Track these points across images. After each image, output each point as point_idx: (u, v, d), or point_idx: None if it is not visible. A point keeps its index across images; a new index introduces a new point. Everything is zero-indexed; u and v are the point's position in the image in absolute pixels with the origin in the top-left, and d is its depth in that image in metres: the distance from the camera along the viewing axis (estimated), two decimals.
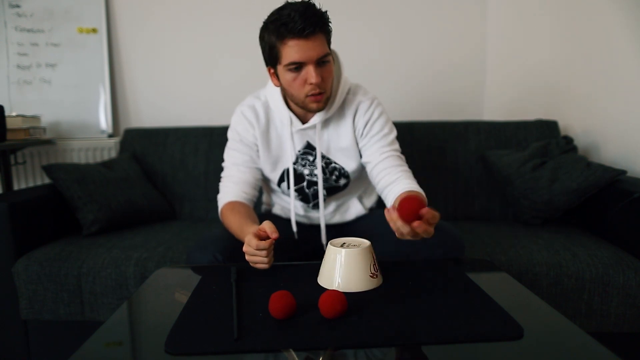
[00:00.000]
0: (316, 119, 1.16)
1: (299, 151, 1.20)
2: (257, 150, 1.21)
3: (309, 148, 1.20)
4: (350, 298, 0.73)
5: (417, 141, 1.77)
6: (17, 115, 1.86)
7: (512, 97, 2.12)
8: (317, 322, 0.68)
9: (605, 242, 1.34)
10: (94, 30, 2.14)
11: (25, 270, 1.32)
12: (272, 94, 1.18)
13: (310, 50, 1.00)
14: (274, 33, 1.00)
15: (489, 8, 2.17)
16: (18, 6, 2.10)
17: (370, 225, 1.25)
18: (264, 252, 0.88)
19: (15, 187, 2.08)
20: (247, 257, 0.91)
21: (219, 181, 1.23)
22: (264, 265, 0.90)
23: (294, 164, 1.21)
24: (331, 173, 1.22)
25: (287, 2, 1.01)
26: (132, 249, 1.35)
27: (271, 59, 1.06)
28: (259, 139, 1.20)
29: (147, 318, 0.79)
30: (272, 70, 1.09)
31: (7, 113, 1.77)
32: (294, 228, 1.25)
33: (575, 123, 1.77)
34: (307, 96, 1.06)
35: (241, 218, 1.06)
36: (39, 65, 2.12)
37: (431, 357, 0.62)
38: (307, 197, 1.25)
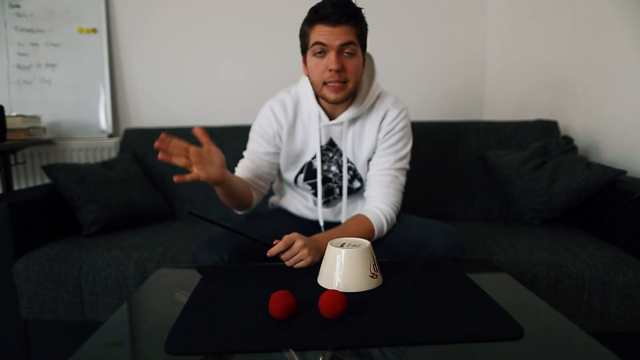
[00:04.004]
0: (344, 116, 1.18)
1: (322, 146, 1.23)
2: (276, 146, 1.24)
3: (331, 145, 1.23)
4: (350, 298, 0.73)
5: (417, 141, 1.75)
6: (17, 115, 1.86)
7: (512, 97, 2.12)
8: (317, 322, 0.68)
9: (605, 242, 1.34)
10: (94, 30, 2.14)
11: (25, 270, 1.32)
12: (304, 89, 1.21)
13: (334, 35, 1.04)
14: (307, 20, 1.07)
15: (489, 8, 2.18)
16: (18, 6, 2.10)
17: None
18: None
19: (15, 187, 2.08)
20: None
21: None
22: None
23: (314, 158, 1.24)
24: (346, 172, 1.25)
25: None
26: (132, 249, 1.35)
27: (303, 46, 1.12)
28: (285, 132, 1.23)
29: (147, 318, 0.79)
30: (303, 60, 1.15)
31: (7, 113, 1.78)
32: (321, 222, 1.28)
33: (575, 123, 1.77)
34: (325, 84, 1.10)
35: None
36: (39, 65, 2.12)
37: (431, 357, 0.62)
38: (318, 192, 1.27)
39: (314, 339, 0.64)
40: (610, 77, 1.57)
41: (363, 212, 1.16)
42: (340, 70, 1.06)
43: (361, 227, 1.13)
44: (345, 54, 1.07)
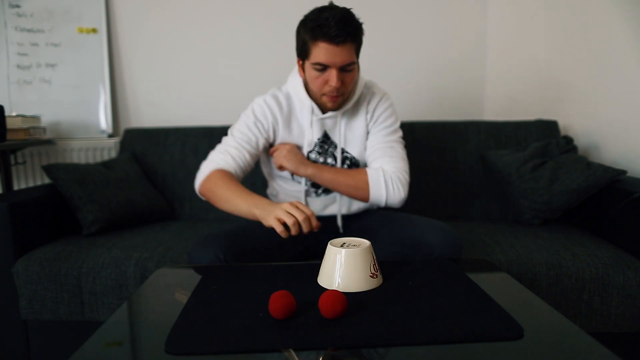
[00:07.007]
0: (340, 110, 1.22)
1: (318, 139, 1.26)
2: (267, 139, 1.25)
3: (326, 137, 1.26)
4: (350, 298, 0.73)
5: (417, 141, 1.77)
6: (17, 115, 1.86)
7: (512, 96, 2.12)
8: (317, 322, 0.68)
9: (605, 242, 1.34)
10: (94, 30, 2.14)
11: (25, 270, 1.32)
12: (295, 86, 1.23)
13: (337, 56, 1.06)
14: (309, 32, 1.07)
15: (489, 7, 2.18)
16: (18, 6, 2.10)
17: (371, 225, 1.25)
18: (303, 214, 0.95)
19: (15, 187, 2.08)
20: (289, 215, 0.96)
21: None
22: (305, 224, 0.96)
23: (310, 152, 1.26)
24: (343, 162, 1.28)
25: (330, 3, 1.09)
26: (132, 249, 1.35)
27: (302, 53, 1.13)
28: (281, 127, 1.25)
29: (147, 318, 0.79)
30: (300, 62, 1.17)
31: (7, 113, 1.77)
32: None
33: (575, 123, 1.77)
34: (323, 94, 1.15)
35: (243, 187, 1.11)
36: (39, 65, 2.12)
37: (431, 357, 0.62)
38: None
39: (314, 339, 0.64)
40: (610, 77, 1.57)
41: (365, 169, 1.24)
42: (340, 86, 1.11)
43: (358, 175, 1.18)
44: (346, 70, 1.11)
